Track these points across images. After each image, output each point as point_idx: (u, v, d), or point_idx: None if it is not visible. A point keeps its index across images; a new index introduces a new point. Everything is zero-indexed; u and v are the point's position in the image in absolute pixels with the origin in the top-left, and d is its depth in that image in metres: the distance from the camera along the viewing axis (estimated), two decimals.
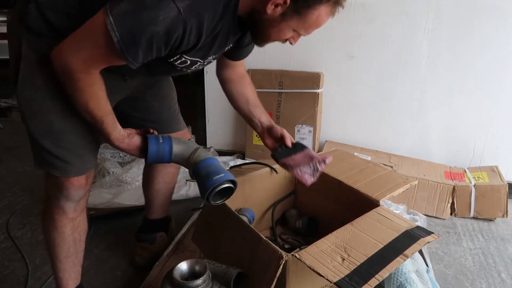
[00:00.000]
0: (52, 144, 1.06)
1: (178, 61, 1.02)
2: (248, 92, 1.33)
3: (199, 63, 1.06)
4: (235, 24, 0.99)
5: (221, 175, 1.01)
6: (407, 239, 1.05)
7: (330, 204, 1.49)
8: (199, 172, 1.04)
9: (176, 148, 1.06)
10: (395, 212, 1.21)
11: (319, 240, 1.03)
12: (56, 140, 1.06)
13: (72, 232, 1.19)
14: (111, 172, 2.16)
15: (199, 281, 1.01)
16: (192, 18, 0.86)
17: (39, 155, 1.09)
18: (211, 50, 1.01)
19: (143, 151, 1.06)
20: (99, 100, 0.97)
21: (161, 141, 1.05)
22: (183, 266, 1.06)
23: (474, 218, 1.99)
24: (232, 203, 1.23)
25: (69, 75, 0.90)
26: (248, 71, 2.28)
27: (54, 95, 1.01)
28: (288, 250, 1.02)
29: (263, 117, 1.32)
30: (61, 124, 1.05)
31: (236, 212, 1.23)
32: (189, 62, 1.03)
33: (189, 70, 1.10)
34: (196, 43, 0.93)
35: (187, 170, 2.14)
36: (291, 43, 1.04)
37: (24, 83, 1.02)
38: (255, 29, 1.01)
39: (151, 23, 0.83)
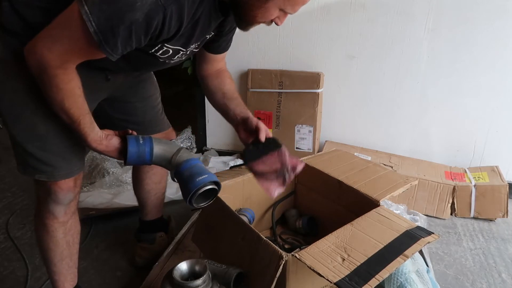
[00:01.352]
0: (37, 148, 1.03)
1: (160, 52, 0.99)
2: (225, 86, 1.26)
3: (181, 52, 1.03)
4: (216, 8, 0.95)
5: (204, 176, 0.98)
6: (407, 239, 1.05)
7: (330, 204, 1.48)
8: (182, 174, 1.00)
9: (157, 149, 1.02)
10: (395, 212, 1.21)
11: (319, 240, 1.03)
12: (40, 144, 1.03)
13: (64, 236, 1.17)
14: (111, 172, 2.16)
15: (199, 281, 1.01)
16: (171, 3, 0.83)
17: (23, 160, 1.06)
18: (192, 37, 0.98)
19: (122, 153, 1.01)
20: (76, 99, 0.92)
21: (141, 142, 1.00)
22: (183, 266, 1.05)
23: (475, 218, 1.99)
24: (232, 203, 1.23)
25: (44, 72, 0.86)
26: (248, 71, 2.28)
27: (36, 97, 0.97)
28: (288, 250, 1.01)
29: (238, 108, 1.22)
30: (45, 127, 1.01)
31: (236, 212, 1.22)
32: (171, 51, 1.00)
33: (172, 61, 1.07)
34: (177, 30, 0.90)
35: None
36: (277, 24, 0.98)
37: (2, 86, 0.98)
38: (239, 11, 0.95)
39: (129, 10, 0.79)
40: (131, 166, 2.15)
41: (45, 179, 1.06)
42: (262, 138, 1.15)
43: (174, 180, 1.04)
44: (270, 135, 1.17)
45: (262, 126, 1.16)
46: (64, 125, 1.02)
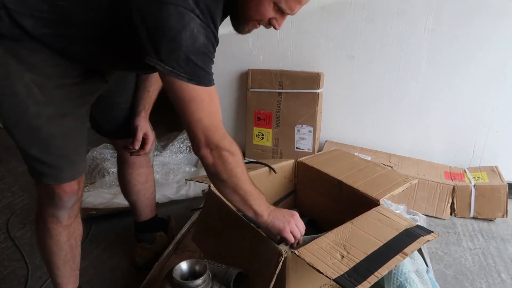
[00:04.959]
0: (41, 152, 1.02)
1: None
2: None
3: None
4: (221, 8, 0.96)
5: None
6: (407, 238, 1.05)
7: (331, 204, 1.49)
8: None
9: None
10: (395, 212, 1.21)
11: (319, 238, 1.04)
12: (44, 147, 1.02)
13: (68, 239, 1.17)
14: (111, 172, 2.16)
15: (199, 281, 1.01)
16: (207, 15, 0.87)
17: (28, 164, 1.05)
18: None
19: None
20: (244, 166, 1.01)
21: None
22: (183, 266, 1.05)
23: (474, 218, 1.99)
24: None
25: (224, 157, 0.95)
26: (248, 71, 2.29)
27: (38, 100, 0.97)
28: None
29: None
30: (49, 129, 1.01)
31: (236, 211, 1.23)
32: None
33: None
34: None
35: (187, 169, 2.14)
36: (275, 27, 0.99)
37: (2, 91, 0.96)
38: (235, 9, 0.97)
39: (193, 41, 0.84)
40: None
41: (51, 182, 1.06)
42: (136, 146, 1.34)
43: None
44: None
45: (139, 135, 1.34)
46: (67, 126, 1.03)
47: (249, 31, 1.02)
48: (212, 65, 0.93)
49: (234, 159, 0.96)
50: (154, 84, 1.32)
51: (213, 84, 0.93)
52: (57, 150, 1.04)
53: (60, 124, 1.02)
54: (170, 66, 0.85)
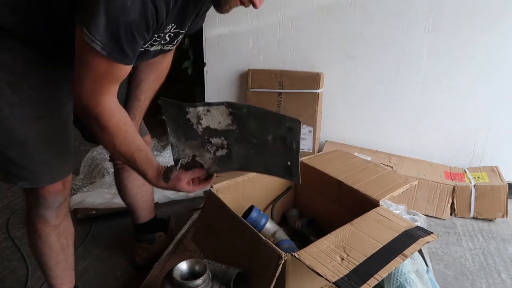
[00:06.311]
0: (17, 154, 0.99)
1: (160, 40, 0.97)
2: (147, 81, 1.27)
3: (180, 35, 1.00)
4: None
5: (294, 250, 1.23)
6: (407, 239, 1.05)
7: (330, 204, 1.49)
8: (281, 247, 1.24)
9: (268, 225, 1.34)
10: (395, 212, 1.21)
11: (319, 240, 1.03)
12: (20, 150, 0.99)
13: (58, 240, 1.15)
14: (111, 172, 2.15)
15: (199, 281, 1.01)
16: None
17: (3, 167, 1.02)
18: (185, 15, 0.95)
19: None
20: (125, 136, 0.93)
21: (261, 213, 1.34)
22: (183, 266, 1.06)
23: (474, 218, 1.99)
24: (232, 203, 1.23)
25: (89, 115, 0.88)
26: (248, 71, 2.29)
27: (12, 101, 0.94)
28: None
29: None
30: (24, 131, 0.98)
31: (235, 212, 1.23)
32: (169, 34, 0.97)
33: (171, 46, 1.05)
34: (166, 15, 0.87)
35: None
36: (255, 6, 0.88)
37: None
38: None
39: (122, 13, 0.78)
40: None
41: (28, 186, 1.04)
42: None
43: None
44: None
45: None
46: (44, 128, 1.00)
47: (230, 8, 0.92)
48: (138, 47, 0.87)
49: (107, 135, 0.91)
50: (145, 92, 1.27)
51: (126, 63, 0.86)
52: (34, 153, 1.01)
53: (36, 126, 0.99)
54: (88, 31, 0.79)
